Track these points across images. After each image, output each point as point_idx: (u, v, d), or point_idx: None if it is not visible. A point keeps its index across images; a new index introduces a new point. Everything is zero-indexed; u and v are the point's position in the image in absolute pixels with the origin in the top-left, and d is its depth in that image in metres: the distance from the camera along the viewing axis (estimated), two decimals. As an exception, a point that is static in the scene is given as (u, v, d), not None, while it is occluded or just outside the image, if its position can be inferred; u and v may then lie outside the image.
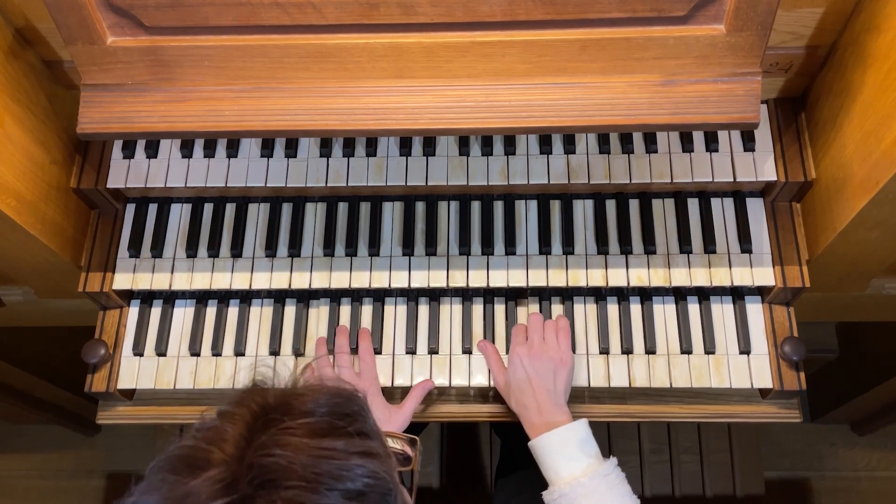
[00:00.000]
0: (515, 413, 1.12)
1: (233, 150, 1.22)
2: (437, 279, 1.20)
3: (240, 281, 1.21)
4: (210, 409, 0.66)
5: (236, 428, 0.61)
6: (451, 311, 1.23)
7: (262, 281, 1.21)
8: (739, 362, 1.18)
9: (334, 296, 1.25)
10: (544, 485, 1.06)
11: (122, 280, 1.22)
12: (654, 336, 1.20)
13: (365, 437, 0.64)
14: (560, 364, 1.11)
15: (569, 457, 1.03)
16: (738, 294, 1.22)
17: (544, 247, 1.20)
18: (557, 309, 1.22)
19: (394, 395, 1.23)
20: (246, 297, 1.25)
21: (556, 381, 1.10)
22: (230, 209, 1.26)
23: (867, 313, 1.47)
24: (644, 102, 0.95)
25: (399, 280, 1.20)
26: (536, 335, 1.13)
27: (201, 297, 1.26)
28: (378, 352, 1.21)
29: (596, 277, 1.19)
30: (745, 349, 1.18)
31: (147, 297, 1.26)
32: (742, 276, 1.18)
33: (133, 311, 1.25)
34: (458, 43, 0.92)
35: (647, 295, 1.22)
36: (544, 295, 1.23)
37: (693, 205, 1.23)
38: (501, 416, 1.21)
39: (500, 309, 1.23)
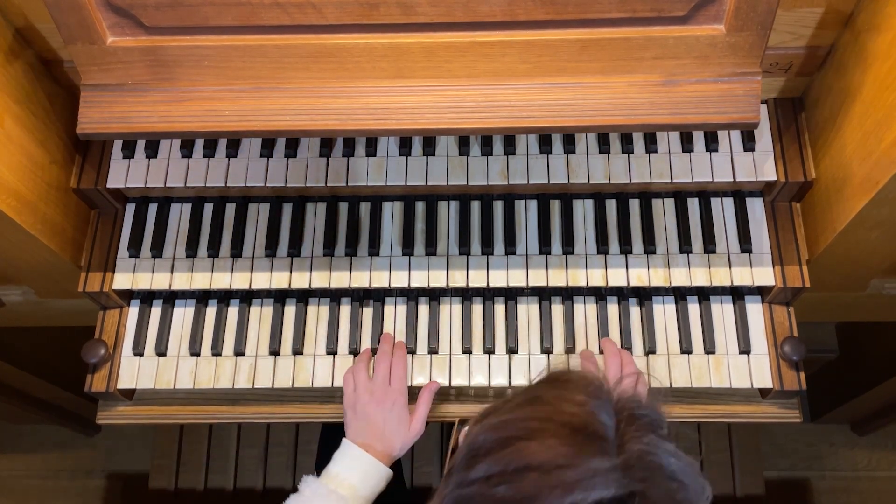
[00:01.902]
0: None
1: (233, 150, 1.22)
2: (436, 279, 1.20)
3: (240, 281, 1.21)
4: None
5: (608, 417, 0.63)
6: (450, 311, 1.23)
7: (262, 281, 1.21)
8: (739, 362, 1.18)
9: (334, 296, 1.25)
10: None
11: (122, 280, 1.22)
12: (653, 336, 1.20)
13: None
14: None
15: None
16: (738, 294, 1.22)
17: (544, 247, 1.20)
18: (557, 309, 1.22)
19: (394, 395, 1.23)
20: (246, 297, 1.25)
21: None
22: (230, 209, 1.26)
23: (867, 313, 1.47)
24: (644, 102, 0.95)
25: (399, 280, 1.20)
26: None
27: (201, 297, 1.26)
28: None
29: (596, 277, 1.19)
30: (745, 349, 1.18)
31: (147, 297, 1.26)
32: (742, 276, 1.18)
33: (133, 311, 1.25)
34: (458, 43, 0.92)
35: (647, 295, 1.22)
36: (544, 295, 1.23)
37: (693, 205, 1.23)
38: (501, 416, 1.21)
39: (500, 309, 1.23)
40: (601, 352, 1.18)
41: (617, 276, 1.19)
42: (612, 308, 1.22)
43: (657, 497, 0.58)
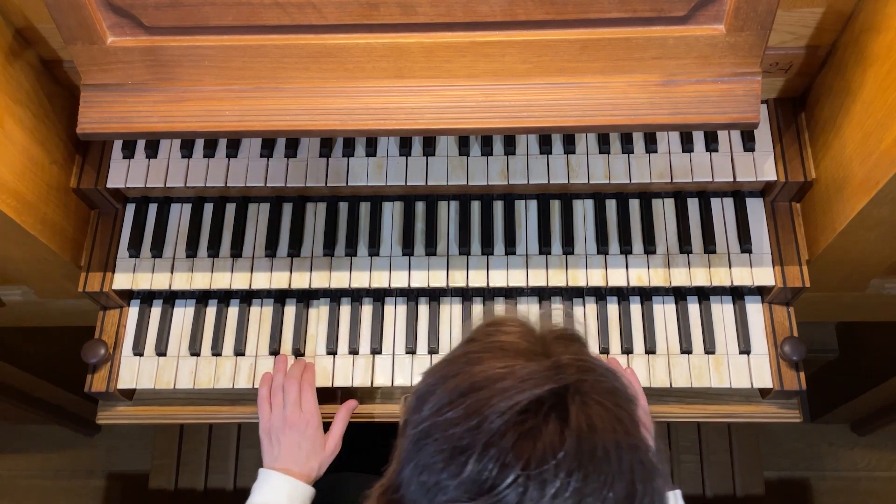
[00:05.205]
0: None
1: (233, 150, 1.22)
2: (436, 279, 1.20)
3: (240, 281, 1.21)
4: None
5: (536, 338, 0.70)
6: (451, 311, 1.23)
7: (262, 281, 1.21)
8: (739, 362, 1.18)
9: (334, 296, 1.25)
10: None
11: (122, 280, 1.22)
12: (653, 336, 1.20)
13: None
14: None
15: None
16: (737, 294, 1.22)
17: (544, 247, 1.20)
18: (558, 309, 1.22)
19: (393, 394, 1.23)
20: (246, 297, 1.25)
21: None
22: (230, 209, 1.26)
23: (867, 313, 1.47)
24: (644, 102, 0.95)
25: (399, 280, 1.20)
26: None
27: (201, 297, 1.26)
28: (378, 351, 1.21)
29: (596, 277, 1.19)
30: (745, 349, 1.18)
31: (147, 297, 1.26)
32: (742, 276, 1.18)
33: (133, 311, 1.25)
34: (457, 43, 0.92)
35: (646, 295, 1.22)
36: (544, 295, 1.23)
37: (693, 205, 1.23)
38: (501, 416, 1.21)
39: (500, 309, 1.22)
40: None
41: (617, 276, 1.19)
42: (612, 308, 1.22)
43: (588, 387, 0.63)
